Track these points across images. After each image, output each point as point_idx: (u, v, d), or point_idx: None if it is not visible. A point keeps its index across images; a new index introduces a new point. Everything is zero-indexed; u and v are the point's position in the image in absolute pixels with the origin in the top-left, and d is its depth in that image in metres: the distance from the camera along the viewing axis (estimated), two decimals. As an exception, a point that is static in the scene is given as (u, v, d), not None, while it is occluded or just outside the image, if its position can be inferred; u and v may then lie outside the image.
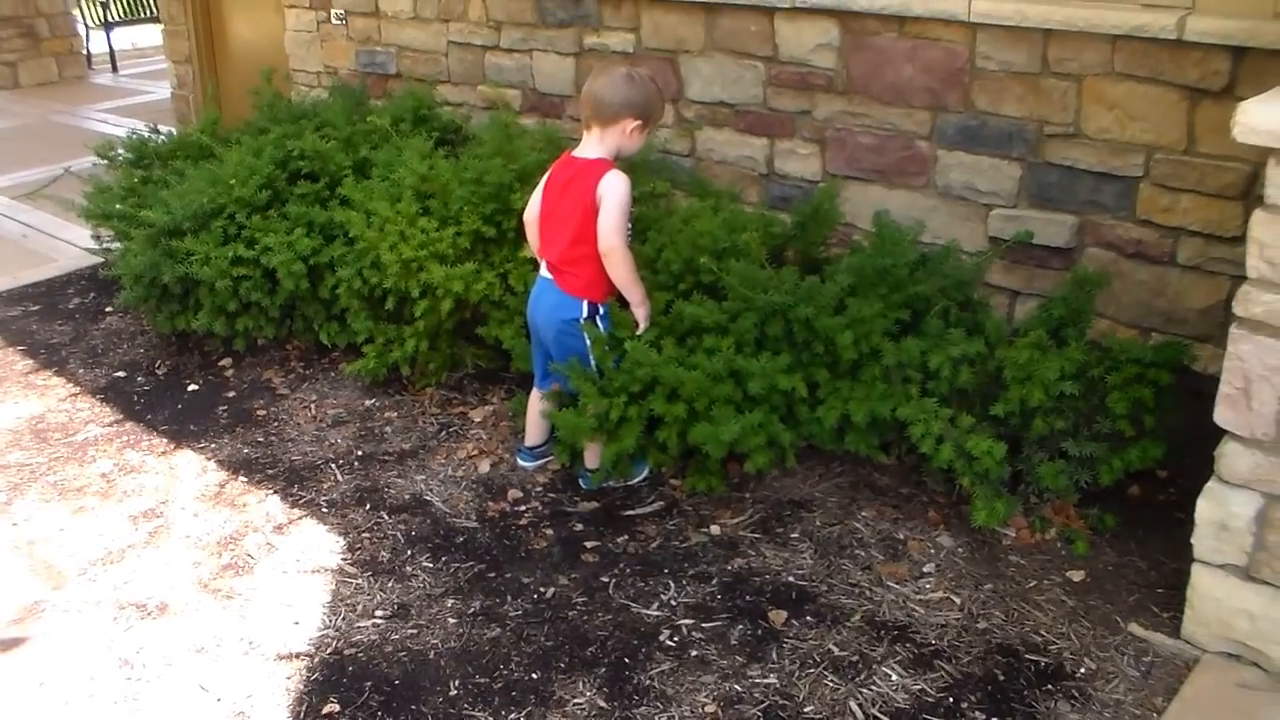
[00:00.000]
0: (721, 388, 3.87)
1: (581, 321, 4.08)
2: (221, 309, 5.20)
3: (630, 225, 4.10)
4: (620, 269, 4.00)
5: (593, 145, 4.06)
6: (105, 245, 5.85)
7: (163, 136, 6.26)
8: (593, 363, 4.08)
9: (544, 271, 4.19)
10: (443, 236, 4.69)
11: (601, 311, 4.11)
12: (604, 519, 4.15)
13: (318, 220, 5.18)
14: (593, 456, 4.23)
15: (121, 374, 5.44)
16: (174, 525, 4.22)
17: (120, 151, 6.10)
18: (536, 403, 4.36)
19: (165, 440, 4.82)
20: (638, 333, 4.11)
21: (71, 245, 6.99)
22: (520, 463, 4.49)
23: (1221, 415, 3.16)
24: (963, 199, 4.87)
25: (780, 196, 5.44)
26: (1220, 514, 3.22)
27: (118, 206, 5.54)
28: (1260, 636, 3.24)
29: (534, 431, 4.45)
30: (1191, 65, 4.15)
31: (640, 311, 4.12)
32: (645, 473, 4.32)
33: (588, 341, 4.06)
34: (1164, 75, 4.23)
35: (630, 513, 4.18)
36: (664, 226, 4.53)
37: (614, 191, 3.95)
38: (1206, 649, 3.35)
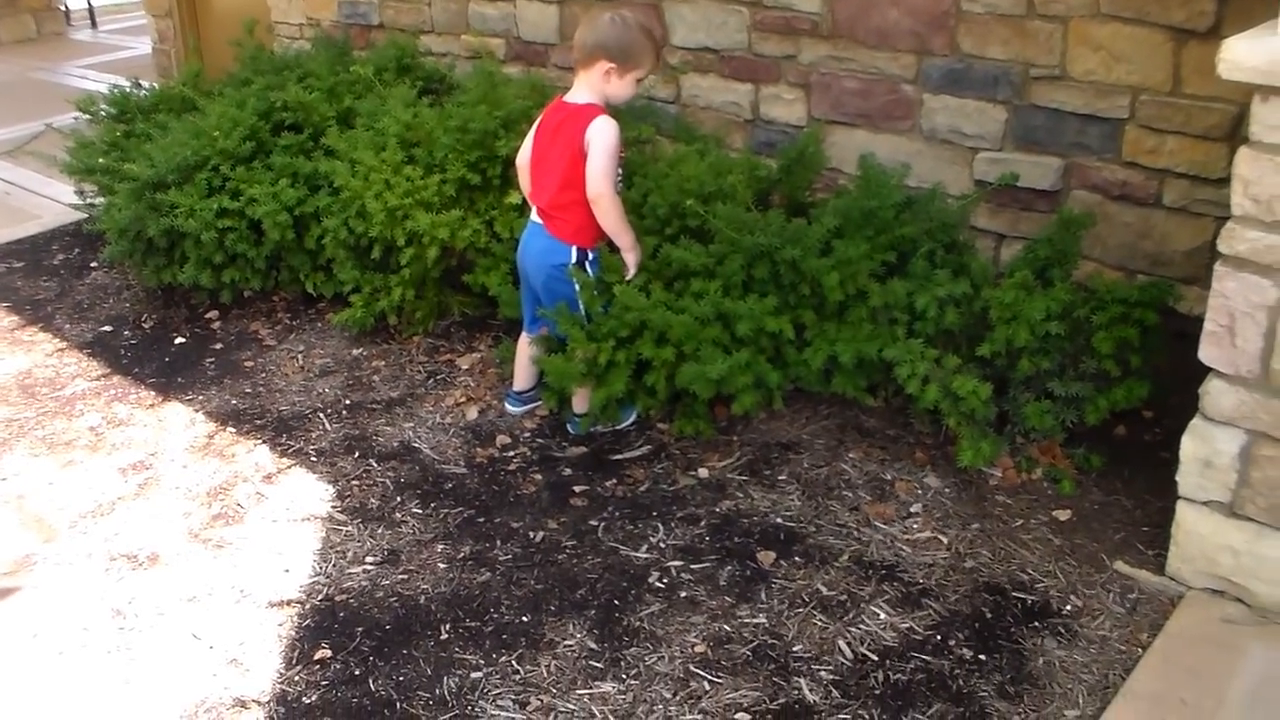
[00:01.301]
0: (709, 330, 3.87)
1: (570, 267, 4.06)
2: (207, 261, 5.19)
3: (621, 171, 4.08)
4: (608, 215, 3.99)
5: (581, 90, 4.03)
6: (89, 200, 5.82)
7: (144, 90, 6.22)
8: (581, 308, 4.07)
9: (534, 216, 4.17)
10: (428, 184, 4.68)
11: (591, 257, 4.10)
12: (592, 463, 4.17)
13: (302, 171, 5.17)
14: (581, 401, 4.23)
15: (108, 328, 5.43)
16: (163, 477, 4.22)
17: (102, 106, 6.06)
18: (525, 347, 4.37)
19: (153, 393, 4.82)
20: (627, 278, 4.09)
21: (54, 201, 6.96)
22: (508, 407, 4.50)
23: (1206, 352, 3.17)
24: (948, 142, 4.86)
25: (765, 142, 5.42)
26: (1205, 451, 3.24)
27: (100, 161, 5.51)
28: (1243, 572, 3.26)
29: (522, 376, 4.45)
30: (1177, 6, 4.13)
31: (630, 257, 4.10)
32: (633, 417, 4.33)
33: (576, 287, 4.05)
34: (1150, 16, 4.21)
35: (618, 457, 4.19)
36: (650, 172, 4.53)
37: (601, 137, 3.92)
38: (1191, 585, 3.38)
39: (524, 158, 4.22)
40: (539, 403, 4.45)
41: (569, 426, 4.34)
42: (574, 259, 4.07)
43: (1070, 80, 4.47)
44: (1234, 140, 4.06)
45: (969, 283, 3.97)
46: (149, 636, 3.45)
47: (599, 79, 3.97)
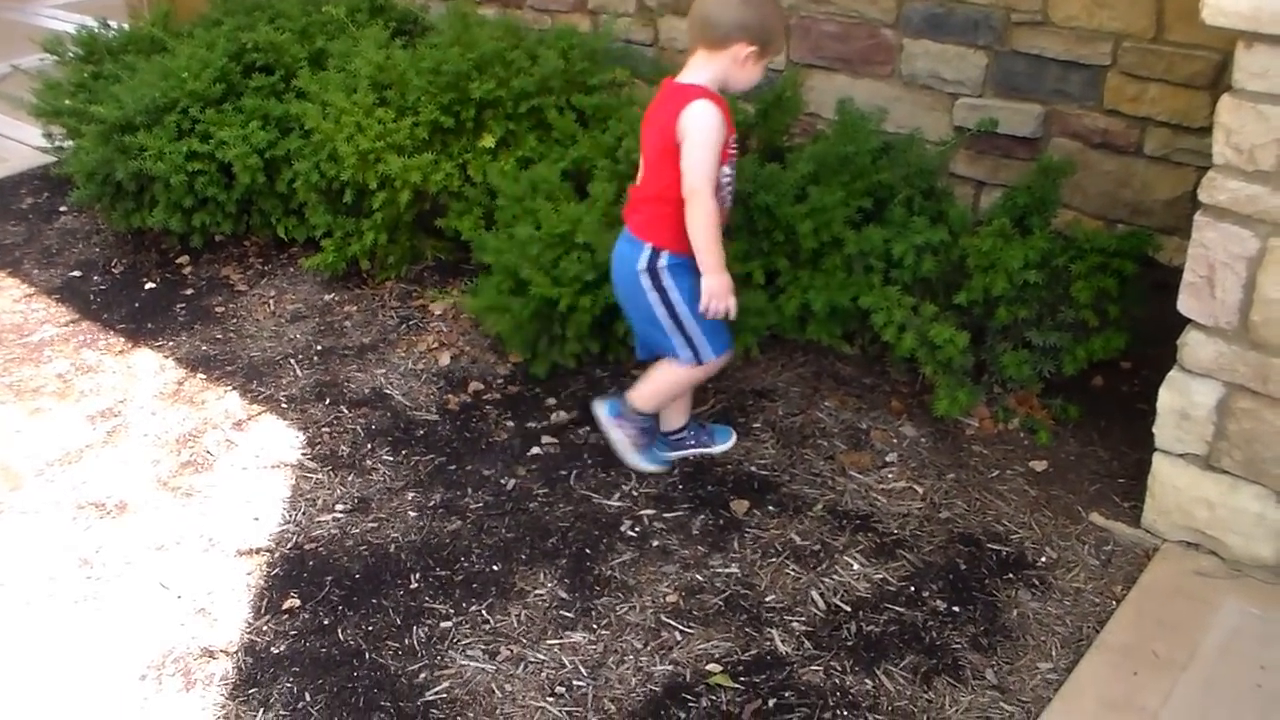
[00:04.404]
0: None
1: (641, 271, 3.49)
2: (177, 205, 5.10)
3: (730, 172, 3.52)
4: (699, 221, 3.34)
5: (696, 70, 3.41)
6: (57, 143, 5.73)
7: (113, 31, 6.11)
8: (682, 318, 3.52)
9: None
10: (400, 127, 4.62)
11: (667, 264, 3.46)
12: (566, 410, 4.13)
13: (273, 113, 5.08)
14: (678, 414, 3.82)
15: (77, 273, 5.36)
16: (132, 424, 4.18)
17: (69, 47, 5.96)
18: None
19: (122, 339, 4.76)
20: (701, 307, 3.44)
21: (22, 144, 6.84)
22: (596, 408, 3.88)
23: (1185, 304, 3.14)
24: (928, 88, 4.81)
25: (744, 87, 5.36)
26: (1182, 403, 3.22)
27: (67, 103, 5.42)
28: (1218, 525, 3.25)
29: (671, 414, 3.82)
30: (1161, -50, 4.09)
31: (708, 280, 3.41)
32: (731, 439, 3.91)
33: (653, 300, 3.51)
34: (1133, -40, 4.17)
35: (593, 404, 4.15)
36: (625, 115, 4.47)
37: (700, 123, 3.31)
38: (1166, 538, 3.37)
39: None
40: (694, 447, 3.87)
41: (655, 449, 3.83)
42: (643, 263, 3.47)
43: (1052, 26, 4.42)
44: (1216, 88, 4.01)
45: (947, 230, 3.93)
46: (116, 586, 3.42)
47: (727, 62, 3.36)
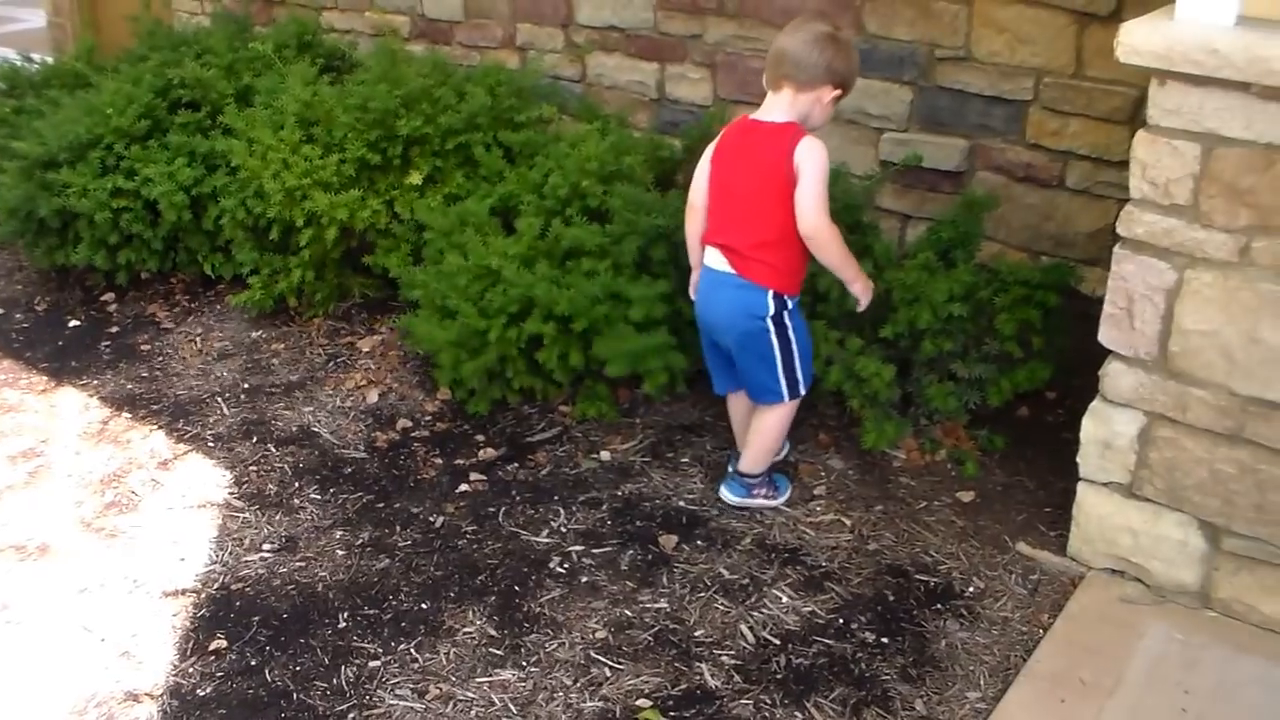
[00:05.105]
0: (600, 308, 3.83)
1: (768, 319, 3.52)
2: (102, 242, 5.05)
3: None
4: (829, 250, 3.46)
5: (781, 108, 3.47)
6: (-23, 180, 5.66)
7: (36, 65, 6.06)
8: (796, 357, 3.58)
9: (713, 262, 3.58)
10: (326, 164, 4.61)
11: (790, 306, 3.55)
12: (494, 447, 4.11)
13: (200, 150, 5.06)
14: (757, 456, 3.75)
15: (-2, 311, 5.30)
16: (55, 464, 4.12)
17: (-10, 80, 5.91)
18: (738, 407, 3.87)
19: (45, 378, 4.70)
20: (860, 309, 3.67)
21: (-57, 180, 6.75)
22: (726, 494, 3.81)
23: (1106, 335, 3.19)
24: (854, 123, 4.85)
25: (671, 121, 5.38)
26: (1104, 433, 3.26)
27: (-13, 138, 5.36)
28: (1142, 552, 3.29)
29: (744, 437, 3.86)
30: (1079, -12, 4.16)
31: (856, 288, 3.58)
32: (786, 492, 3.82)
33: (775, 344, 3.55)
34: (1053, -2, 4.24)
35: (520, 441, 4.14)
36: (551, 151, 4.48)
37: (816, 158, 3.38)
38: (1091, 566, 3.40)
39: (699, 197, 3.62)
40: (774, 487, 3.81)
41: (727, 490, 3.79)
42: (770, 310, 3.50)
43: (975, 62, 4.48)
44: (1135, 123, 4.08)
45: (872, 264, 3.96)
46: (37, 630, 3.36)
47: (811, 102, 3.46)
